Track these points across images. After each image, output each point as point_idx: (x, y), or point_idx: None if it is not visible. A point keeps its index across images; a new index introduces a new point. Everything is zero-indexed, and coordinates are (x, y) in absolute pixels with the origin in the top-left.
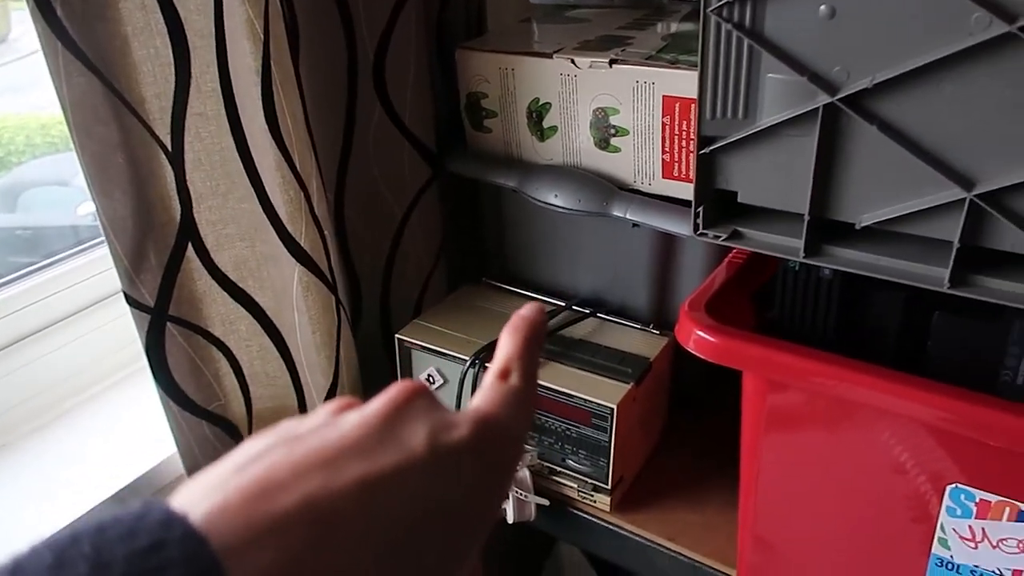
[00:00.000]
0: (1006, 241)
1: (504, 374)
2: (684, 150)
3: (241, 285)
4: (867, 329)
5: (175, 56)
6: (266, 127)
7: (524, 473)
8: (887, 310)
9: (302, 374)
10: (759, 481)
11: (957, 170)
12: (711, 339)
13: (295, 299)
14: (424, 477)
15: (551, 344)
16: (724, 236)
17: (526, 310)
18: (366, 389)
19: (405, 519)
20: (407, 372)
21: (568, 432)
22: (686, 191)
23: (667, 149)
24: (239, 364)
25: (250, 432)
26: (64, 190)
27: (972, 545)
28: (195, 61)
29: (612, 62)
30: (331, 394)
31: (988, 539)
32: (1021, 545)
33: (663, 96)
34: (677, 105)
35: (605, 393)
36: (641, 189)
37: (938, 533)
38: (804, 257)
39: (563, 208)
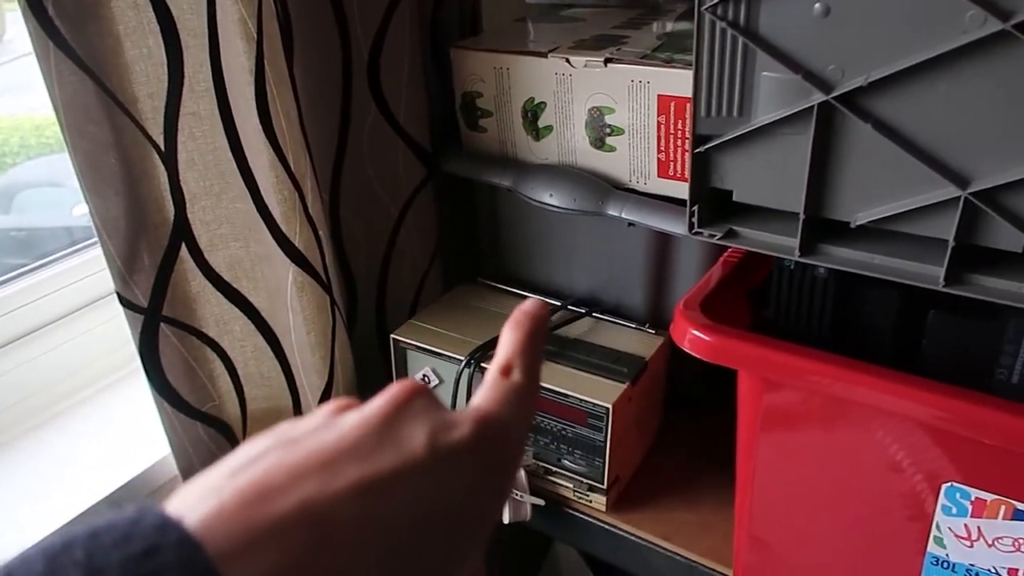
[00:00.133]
0: (1001, 239)
1: (506, 370)
2: (679, 149)
3: (235, 285)
4: (862, 328)
5: (168, 55)
6: (260, 127)
7: (520, 473)
8: (882, 309)
9: (297, 375)
10: (755, 480)
11: (952, 168)
12: (706, 338)
13: (289, 299)
14: (424, 478)
15: (546, 344)
16: (719, 235)
17: (528, 305)
18: (361, 389)
19: (405, 521)
20: (402, 372)
21: (564, 432)
22: (682, 190)
23: (662, 148)
24: (233, 365)
25: (245, 433)
26: (59, 191)
27: (968, 544)
28: (188, 60)
29: (607, 61)
30: (326, 395)
31: (984, 538)
32: (1017, 543)
33: (658, 95)
34: (672, 104)
35: (601, 393)
36: (637, 188)
37: (934, 532)
38: (799, 256)
39: (558, 208)
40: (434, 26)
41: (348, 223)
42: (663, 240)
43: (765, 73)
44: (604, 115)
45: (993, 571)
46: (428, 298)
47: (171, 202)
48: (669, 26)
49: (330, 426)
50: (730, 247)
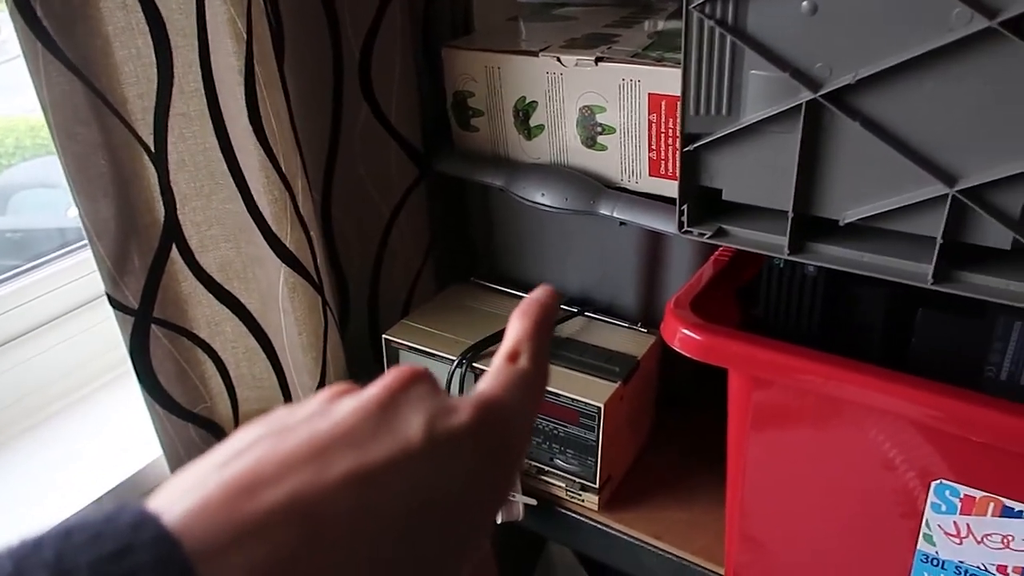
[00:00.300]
0: (989, 236)
1: (513, 356)
2: (670, 148)
3: (226, 286)
4: (852, 325)
5: (157, 56)
6: (250, 127)
7: None
8: (871, 306)
9: (289, 375)
10: (745, 479)
11: (939, 166)
12: (696, 337)
13: (281, 300)
14: (421, 467)
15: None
16: (709, 234)
17: (538, 292)
18: None
19: (401, 511)
20: None
21: (556, 431)
22: (673, 189)
23: (654, 147)
24: (225, 366)
25: None
26: (54, 192)
27: (957, 541)
28: (177, 61)
29: (598, 60)
30: None
31: (973, 535)
32: (1005, 540)
33: (649, 94)
34: (663, 103)
35: (592, 392)
36: (628, 187)
37: (923, 529)
38: (788, 254)
39: (550, 207)
40: (425, 25)
41: (340, 223)
42: (655, 239)
43: (753, 71)
44: (595, 114)
45: (982, 568)
46: (421, 298)
47: (161, 203)
48: (660, 24)
49: (325, 413)
50: (720, 246)
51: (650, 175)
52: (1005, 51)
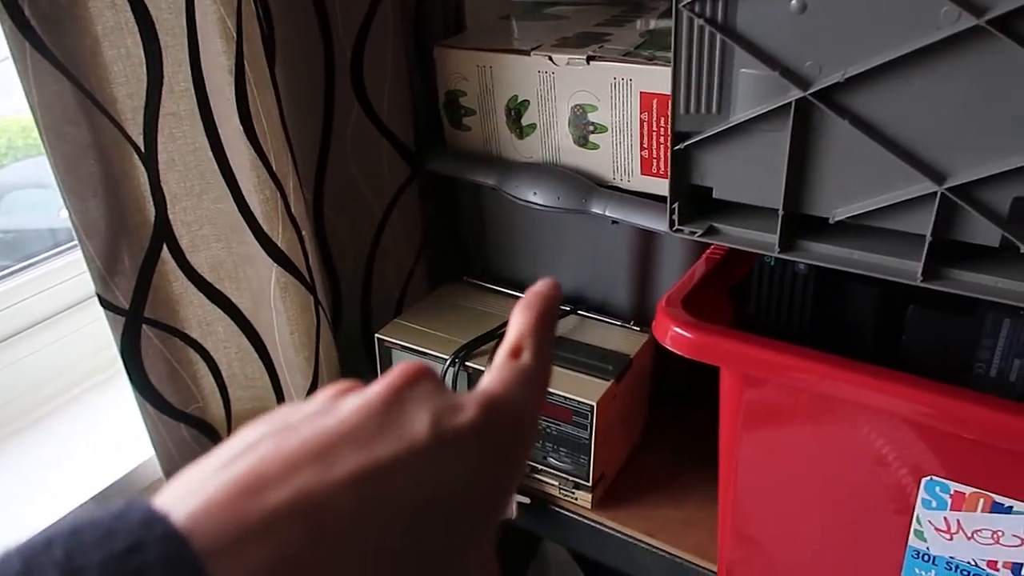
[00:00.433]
0: (978, 234)
1: (516, 352)
2: (662, 146)
3: (218, 286)
4: (843, 323)
5: (147, 55)
6: (240, 127)
7: None
8: (862, 304)
9: (281, 375)
10: (737, 476)
11: (928, 164)
12: (687, 335)
13: (273, 300)
14: (426, 465)
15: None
16: (700, 232)
17: (540, 286)
18: None
19: (406, 510)
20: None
21: (549, 430)
22: (665, 187)
23: (645, 146)
24: (217, 366)
25: (229, 434)
26: (46, 192)
27: (947, 537)
28: (167, 60)
29: (590, 59)
30: (310, 394)
31: (963, 530)
32: (995, 536)
33: (640, 92)
34: (655, 101)
35: (585, 390)
36: (620, 186)
37: (914, 525)
38: (779, 252)
39: (542, 206)
40: (417, 24)
41: (332, 222)
42: (647, 237)
43: (743, 70)
44: (587, 113)
45: (972, 563)
46: (414, 297)
47: (152, 203)
48: (652, 23)
49: (329, 411)
50: (712, 244)
51: (642, 174)
52: (992, 49)
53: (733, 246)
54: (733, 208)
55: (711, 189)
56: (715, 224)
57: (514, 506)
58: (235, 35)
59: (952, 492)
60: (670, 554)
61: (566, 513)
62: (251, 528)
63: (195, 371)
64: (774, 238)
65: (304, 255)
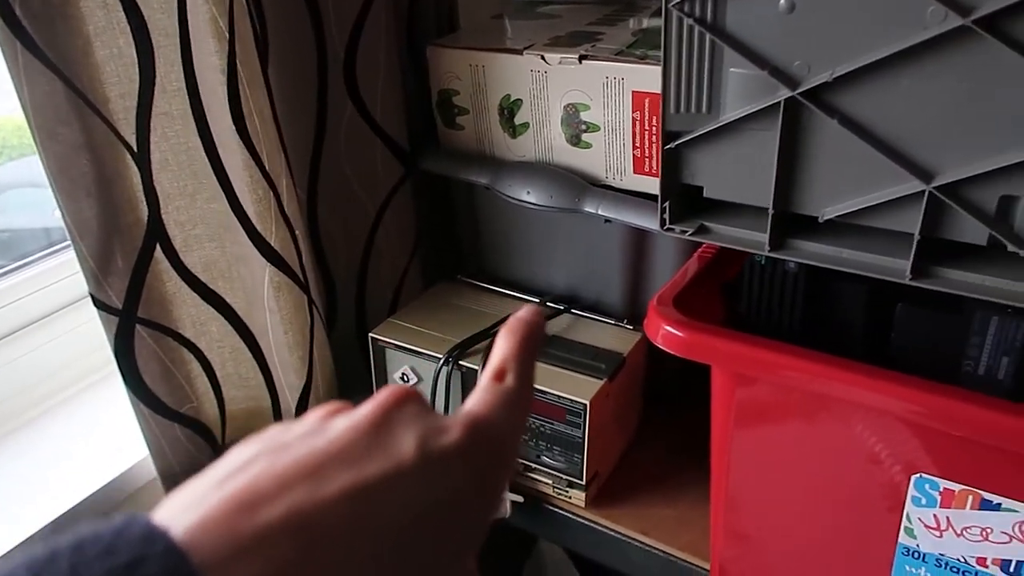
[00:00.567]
0: (965, 232)
1: (499, 375)
2: (654, 145)
3: (211, 286)
4: (833, 321)
5: (139, 55)
6: (233, 126)
7: None
8: (851, 302)
9: (275, 374)
10: (729, 474)
11: (916, 163)
12: (678, 334)
13: (266, 299)
14: (413, 484)
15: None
16: (691, 231)
17: (523, 312)
18: (342, 388)
19: (394, 527)
20: (381, 371)
21: (542, 429)
22: (657, 186)
23: (638, 144)
24: (211, 366)
25: (223, 434)
26: (41, 192)
27: (937, 534)
28: (159, 60)
29: (582, 58)
30: (305, 394)
31: (952, 527)
32: (984, 533)
33: (633, 92)
34: (647, 101)
35: (578, 389)
36: (613, 185)
37: (904, 522)
38: (769, 251)
39: (536, 205)
40: (410, 23)
41: (326, 222)
42: (640, 236)
43: (732, 69)
44: (580, 112)
45: (962, 560)
46: (408, 296)
47: (145, 203)
48: (644, 22)
49: (319, 431)
50: (703, 243)
51: (634, 172)
52: (979, 48)
53: (724, 245)
54: (724, 207)
55: (702, 188)
56: (706, 223)
57: (507, 505)
58: (227, 34)
59: (942, 489)
60: (664, 552)
61: (560, 512)
62: (246, 543)
63: (189, 371)
64: (764, 237)
65: (298, 254)
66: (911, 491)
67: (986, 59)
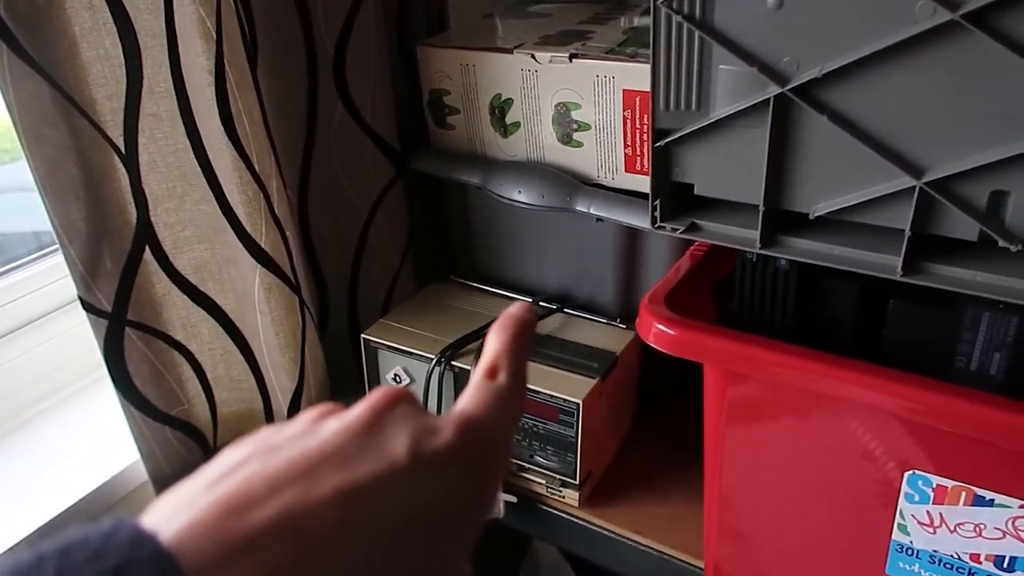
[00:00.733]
0: (956, 228)
1: (491, 373)
2: (645, 144)
3: (202, 288)
4: (825, 318)
5: (126, 56)
6: (221, 127)
7: None
8: (843, 299)
9: (267, 376)
10: (722, 472)
11: (907, 158)
12: (670, 332)
13: (257, 301)
14: (406, 485)
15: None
16: (682, 229)
17: (514, 308)
18: (334, 390)
19: (387, 528)
20: (374, 372)
21: (535, 428)
22: (648, 185)
23: (629, 143)
24: (202, 368)
25: (215, 436)
26: (31, 196)
27: (930, 530)
28: (146, 61)
29: (572, 56)
30: (297, 396)
31: (946, 524)
32: (977, 529)
33: (623, 90)
34: (638, 99)
35: (571, 388)
36: (604, 183)
37: (897, 519)
38: (760, 248)
39: (527, 204)
40: (400, 23)
41: (317, 223)
42: (632, 234)
43: (722, 66)
44: (571, 111)
45: (955, 556)
46: (401, 297)
47: (133, 205)
48: (635, 21)
49: (311, 433)
50: (694, 240)
51: (626, 171)
52: (968, 43)
53: (715, 242)
54: (715, 204)
55: (693, 186)
56: (697, 221)
57: (501, 505)
58: (215, 35)
59: (935, 486)
60: (658, 551)
61: (553, 512)
62: (236, 546)
63: (180, 373)
64: (755, 234)
65: (288, 256)
66: (904, 488)
67: (975, 54)
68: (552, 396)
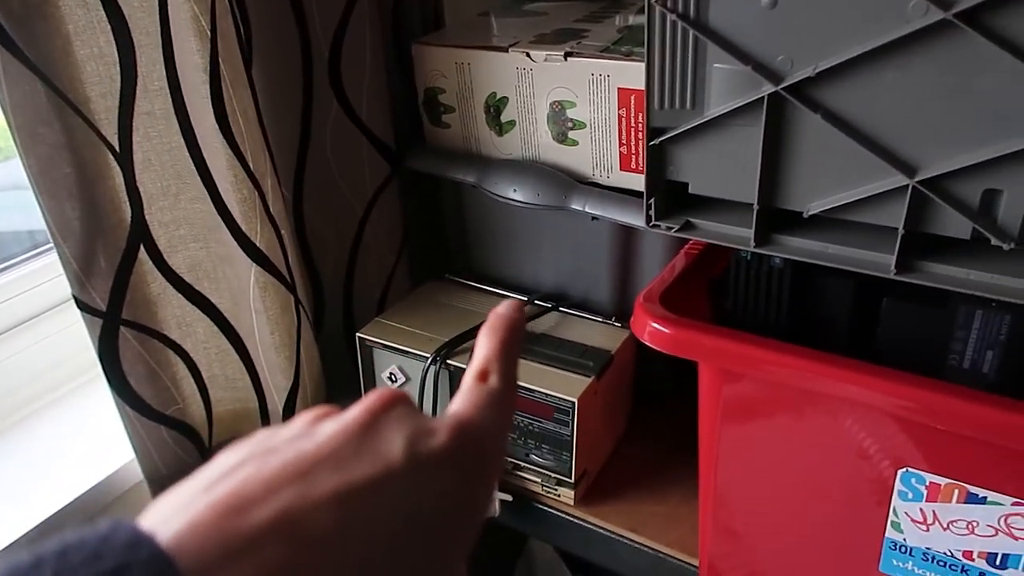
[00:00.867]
0: (949, 226)
1: (483, 375)
2: (641, 142)
3: (197, 287)
4: (819, 316)
5: (120, 54)
6: (216, 126)
7: None
8: (837, 297)
9: (262, 375)
10: (717, 471)
11: (900, 157)
12: (665, 330)
13: (252, 300)
14: (402, 487)
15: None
16: (676, 227)
17: (504, 308)
18: (329, 389)
19: (384, 530)
20: (369, 371)
21: (531, 427)
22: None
23: (624, 141)
24: (197, 367)
25: (210, 436)
26: (24, 194)
27: (924, 528)
28: (141, 59)
29: (567, 55)
30: (292, 395)
31: (939, 521)
32: (971, 526)
33: (618, 88)
34: (633, 97)
35: (566, 387)
36: (600, 182)
37: (891, 517)
38: (754, 247)
39: (523, 203)
40: (395, 21)
41: (312, 221)
42: (628, 233)
43: (716, 65)
44: (566, 109)
45: (949, 554)
46: (396, 296)
47: (128, 204)
48: (631, 19)
49: (308, 435)
50: (688, 239)
51: (621, 169)
52: (960, 42)
53: (709, 241)
54: (710, 203)
55: (687, 184)
56: (691, 219)
57: (497, 504)
58: (209, 33)
59: (928, 483)
60: (653, 549)
61: (549, 510)
62: (234, 547)
63: (175, 372)
64: (749, 232)
65: (283, 254)
66: (898, 485)
67: (968, 53)
68: (547, 395)
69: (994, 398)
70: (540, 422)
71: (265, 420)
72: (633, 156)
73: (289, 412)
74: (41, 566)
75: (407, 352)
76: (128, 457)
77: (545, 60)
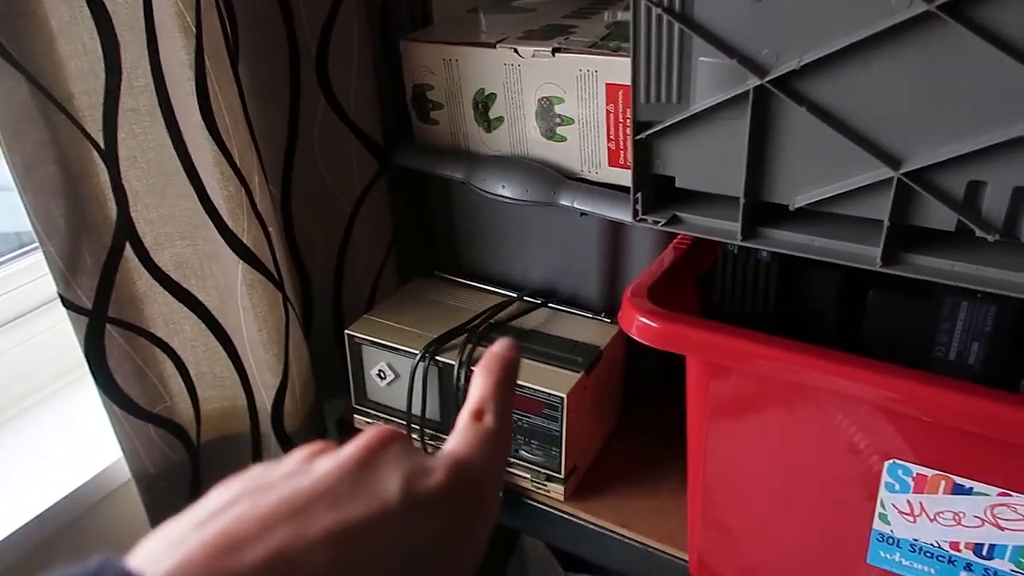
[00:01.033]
0: (933, 218)
1: (478, 414)
2: (629, 137)
3: (184, 284)
4: (806, 309)
5: (104, 51)
6: (202, 122)
7: None
8: (824, 290)
9: (250, 373)
10: (706, 465)
11: (885, 149)
12: (652, 324)
13: (240, 297)
14: (398, 526)
15: (502, 336)
16: (663, 222)
17: (499, 347)
18: (318, 386)
19: (380, 569)
20: (358, 368)
21: (520, 423)
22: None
23: (612, 137)
24: (184, 365)
25: (198, 434)
26: (10, 195)
27: (911, 519)
28: (125, 55)
29: (555, 51)
30: (280, 392)
31: (926, 512)
32: (957, 517)
33: (606, 84)
34: (620, 93)
35: (555, 383)
36: (588, 178)
37: (878, 508)
38: (741, 240)
39: (511, 199)
40: (383, 17)
41: (300, 218)
42: (616, 229)
43: (702, 59)
44: (554, 105)
45: (936, 544)
46: (385, 293)
47: (113, 201)
48: (619, 15)
49: (303, 472)
50: (676, 233)
51: (609, 165)
52: (944, 35)
53: (696, 235)
54: (697, 197)
55: (674, 178)
56: (679, 213)
57: None
58: (194, 29)
59: (915, 475)
60: (643, 544)
61: (539, 506)
62: None
63: (162, 370)
64: (736, 226)
65: (271, 252)
66: (885, 477)
67: (951, 45)
68: (537, 390)
69: (980, 389)
70: (529, 417)
71: (253, 418)
72: (621, 152)
73: (277, 410)
74: None
75: (396, 349)
76: (116, 456)
77: (533, 56)
